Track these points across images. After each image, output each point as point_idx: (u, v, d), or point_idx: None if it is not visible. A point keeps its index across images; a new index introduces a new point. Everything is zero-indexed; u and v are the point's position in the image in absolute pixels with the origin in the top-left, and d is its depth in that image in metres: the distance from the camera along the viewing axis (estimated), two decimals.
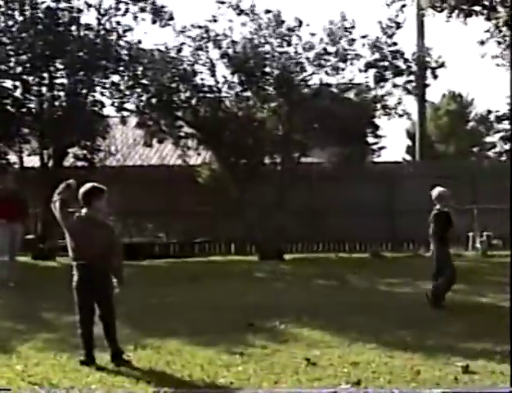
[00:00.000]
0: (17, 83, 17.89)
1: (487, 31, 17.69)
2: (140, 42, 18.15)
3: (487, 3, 16.98)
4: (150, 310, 9.98)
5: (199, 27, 17.85)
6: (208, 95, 18.26)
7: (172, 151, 22.93)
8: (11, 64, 17.66)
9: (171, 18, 18.21)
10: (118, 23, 18.15)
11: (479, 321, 8.97)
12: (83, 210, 6.93)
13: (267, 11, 17.77)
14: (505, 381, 6.20)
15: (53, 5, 17.67)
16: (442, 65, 18.33)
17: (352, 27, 17.87)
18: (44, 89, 18.10)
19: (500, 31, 17.28)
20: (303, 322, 8.96)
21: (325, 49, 17.92)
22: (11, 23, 17.57)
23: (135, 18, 18.34)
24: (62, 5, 17.78)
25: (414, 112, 25.01)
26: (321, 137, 18.54)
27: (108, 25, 18.12)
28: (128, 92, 18.39)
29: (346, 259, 17.72)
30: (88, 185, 6.97)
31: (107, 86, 18.31)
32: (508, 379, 6.22)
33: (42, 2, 17.65)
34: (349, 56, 18.01)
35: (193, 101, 18.41)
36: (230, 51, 17.80)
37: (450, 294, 10.20)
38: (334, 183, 19.62)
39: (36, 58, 17.34)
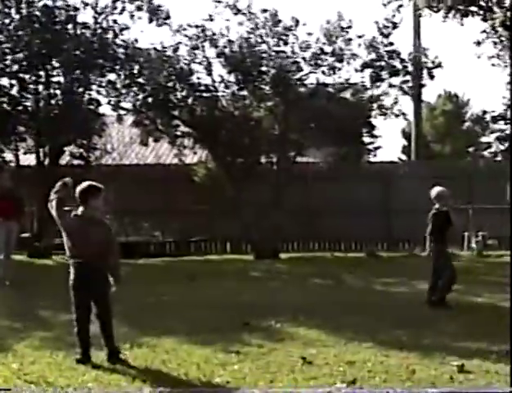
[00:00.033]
0: (13, 82, 17.92)
1: (484, 32, 17.72)
2: (136, 40, 18.20)
3: (483, 4, 17.02)
4: (147, 309, 9.99)
5: (196, 26, 17.86)
6: (204, 94, 18.28)
7: (169, 150, 22.92)
8: (8, 62, 17.68)
9: (167, 17, 18.20)
10: (114, 22, 18.17)
11: (475, 321, 8.99)
12: (80, 209, 6.93)
13: (264, 11, 17.78)
14: (500, 380, 6.23)
15: (50, 3, 17.72)
16: (438, 66, 18.36)
17: (349, 27, 17.90)
18: (41, 87, 18.10)
19: (497, 32, 17.33)
20: (299, 321, 8.97)
21: (321, 49, 17.94)
22: (7, 21, 17.58)
23: (131, 17, 18.33)
24: (59, 3, 17.83)
25: (410, 112, 25.00)
26: (317, 136, 18.55)
27: (104, 24, 18.13)
28: (124, 91, 18.39)
29: (342, 259, 17.74)
30: (85, 183, 6.97)
31: (103, 84, 18.32)
32: (503, 378, 6.25)
33: (39, 1, 17.70)
34: (346, 56, 18.02)
35: (189, 100, 18.42)
36: (226, 50, 17.81)
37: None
38: (330, 183, 19.65)
39: (32, 56, 17.34)
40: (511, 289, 9.60)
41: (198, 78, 18.17)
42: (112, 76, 18.33)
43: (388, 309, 9.87)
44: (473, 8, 17.13)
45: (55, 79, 18.13)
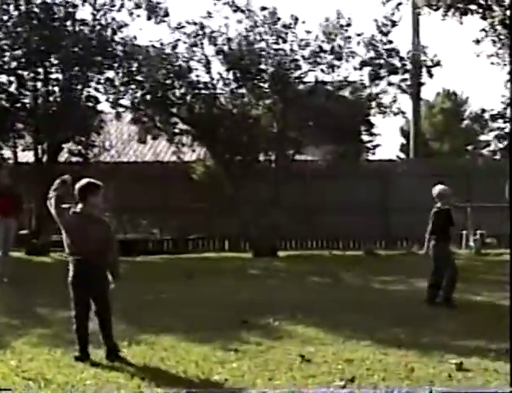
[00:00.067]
0: (12, 78, 17.91)
1: (483, 30, 17.71)
2: (135, 38, 18.18)
3: (482, 2, 17.01)
4: (145, 306, 9.99)
5: (195, 24, 17.84)
6: (203, 92, 18.27)
7: (167, 148, 22.92)
8: (6, 59, 17.67)
9: (166, 14, 18.18)
10: (113, 19, 18.14)
11: (473, 319, 9.00)
12: (79, 206, 6.91)
13: (263, 8, 17.77)
14: (498, 378, 6.22)
15: (48, 0, 17.64)
16: (437, 64, 18.34)
17: (348, 25, 17.89)
18: (39, 84, 18.09)
19: (496, 30, 17.31)
20: (297, 319, 8.97)
21: (320, 47, 17.93)
22: (6, 18, 17.54)
23: (130, 14, 18.32)
24: (57, 0, 17.74)
25: (408, 110, 25.05)
26: (316, 134, 18.56)
27: (103, 21, 18.11)
28: (122, 88, 18.37)
29: (340, 257, 17.74)
30: (84, 181, 6.95)
31: (102, 82, 18.31)
32: (502, 377, 6.25)
33: None
34: (344, 54, 18.01)
35: (188, 98, 18.40)
36: (225, 47, 17.80)
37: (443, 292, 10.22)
38: (329, 181, 19.66)
39: (31, 53, 17.32)
40: (511, 288, 9.60)
41: (196, 75, 18.17)
42: (110, 73, 18.35)
43: (386, 307, 9.87)
44: (473, 6, 17.13)
45: (53, 76, 18.13)
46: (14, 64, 17.77)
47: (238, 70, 17.82)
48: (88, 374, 6.44)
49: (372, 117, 19.03)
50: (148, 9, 18.11)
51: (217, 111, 18.38)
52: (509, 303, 8.95)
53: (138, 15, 18.31)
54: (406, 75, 18.53)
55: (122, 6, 18.19)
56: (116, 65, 18.11)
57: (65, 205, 6.97)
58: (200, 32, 17.82)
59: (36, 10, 17.54)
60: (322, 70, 18.19)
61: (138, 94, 18.34)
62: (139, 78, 18.00)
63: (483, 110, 33.16)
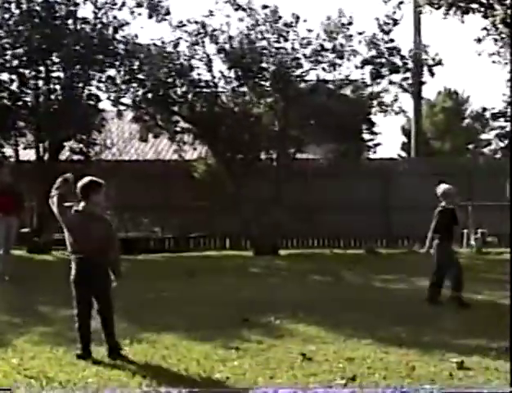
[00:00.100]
0: (13, 77, 17.92)
1: (484, 29, 17.70)
2: (136, 36, 18.17)
3: (484, 1, 17.00)
4: (146, 305, 9.99)
5: (196, 22, 17.84)
6: (204, 90, 18.27)
7: (168, 146, 22.92)
8: (8, 57, 17.66)
9: (167, 13, 18.18)
10: (114, 17, 18.14)
11: (474, 318, 9.00)
12: (81, 204, 6.92)
13: (264, 7, 17.77)
14: (499, 377, 6.23)
15: None
16: (439, 63, 18.34)
17: (350, 23, 17.89)
18: (40, 83, 18.10)
19: (497, 29, 17.30)
20: (298, 317, 8.98)
21: (321, 45, 17.92)
22: (7, 16, 17.55)
23: (131, 12, 18.32)
24: None
25: (410, 109, 25.05)
26: (317, 133, 18.57)
27: (104, 19, 18.10)
28: (124, 87, 18.37)
29: (341, 256, 17.75)
30: (86, 179, 6.96)
31: (103, 80, 18.31)
32: (503, 375, 6.25)
33: None
34: (346, 53, 18.01)
35: (189, 96, 18.40)
36: (227, 46, 17.80)
37: (445, 291, 10.22)
38: (330, 179, 19.67)
39: (32, 51, 17.33)
40: (511, 286, 9.62)
41: (198, 74, 18.20)
42: (112, 72, 18.36)
43: (387, 306, 9.87)
44: (474, 5, 17.12)
45: (55, 74, 18.14)
46: (15, 62, 17.78)
47: (239, 69, 17.82)
48: (90, 372, 6.45)
49: (373, 116, 19.06)
50: (149, 7, 18.11)
51: (218, 110, 18.39)
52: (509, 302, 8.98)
53: (139, 14, 18.33)
54: (408, 74, 18.54)
55: (123, 4, 18.19)
56: (117, 63, 18.13)
57: (67, 204, 6.98)
58: (202, 30, 17.82)
59: (37, 8, 17.54)
60: (324, 69, 18.20)
61: (140, 92, 18.34)
62: (140, 76, 18.00)
63: (484, 109, 33.17)
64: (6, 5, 17.54)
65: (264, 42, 17.89)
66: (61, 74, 18.11)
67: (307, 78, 18.44)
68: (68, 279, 6.99)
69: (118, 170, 18.51)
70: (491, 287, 11.37)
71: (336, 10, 18.47)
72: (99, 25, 17.99)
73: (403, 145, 39.50)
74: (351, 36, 17.94)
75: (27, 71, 17.91)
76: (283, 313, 9.13)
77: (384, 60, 18.15)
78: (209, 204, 19.09)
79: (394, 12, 18.01)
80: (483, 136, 38.75)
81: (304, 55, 17.99)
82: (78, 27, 17.92)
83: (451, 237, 10.31)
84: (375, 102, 18.72)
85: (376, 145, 19.78)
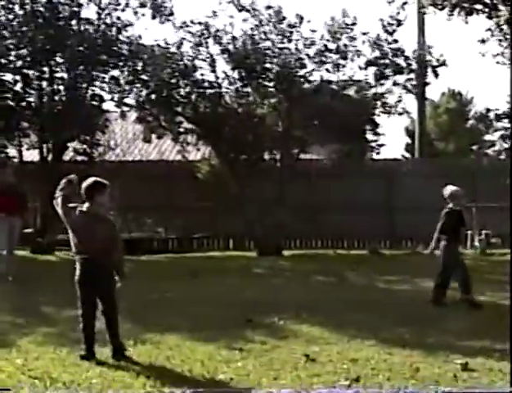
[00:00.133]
0: (17, 77, 17.93)
1: (489, 30, 17.67)
2: (140, 37, 18.18)
3: (488, 1, 16.97)
4: (150, 305, 10.00)
5: (200, 23, 17.84)
6: (208, 91, 18.27)
7: (172, 147, 22.94)
8: (12, 58, 17.68)
9: (171, 13, 18.19)
10: (118, 18, 18.15)
11: (478, 319, 8.99)
12: (85, 205, 6.91)
13: (268, 7, 17.76)
14: (503, 378, 6.22)
15: None
16: (443, 64, 18.31)
17: (353, 24, 17.87)
18: (44, 83, 18.12)
19: (502, 29, 17.27)
20: (302, 318, 8.97)
21: (325, 46, 17.91)
22: (11, 17, 17.57)
23: (135, 13, 18.34)
24: None
25: (413, 110, 25.08)
26: (321, 133, 18.57)
27: (108, 20, 18.12)
28: (127, 87, 18.38)
29: (344, 256, 17.74)
30: (91, 180, 6.95)
31: (107, 81, 18.33)
32: (506, 377, 6.24)
33: None
34: (350, 53, 18.00)
35: (193, 97, 18.40)
36: (230, 46, 17.79)
37: (449, 292, 10.22)
38: (334, 180, 19.67)
39: (36, 52, 17.34)
40: (511, 287, 9.61)
41: (201, 74, 18.18)
42: (115, 72, 18.37)
43: (390, 307, 9.86)
44: (478, 6, 17.09)
45: (58, 75, 18.15)
46: (19, 63, 17.80)
47: (243, 69, 17.82)
48: (94, 373, 6.45)
49: (377, 116, 19.03)
50: (153, 8, 18.13)
51: (222, 110, 18.39)
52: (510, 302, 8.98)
53: (143, 15, 18.35)
54: (412, 75, 18.51)
55: (127, 5, 18.21)
56: (121, 64, 18.14)
57: (71, 205, 6.98)
58: (205, 31, 17.82)
59: (41, 9, 17.57)
60: (327, 69, 18.19)
61: (143, 93, 18.34)
62: (144, 77, 18.00)
63: (488, 110, 33.08)
64: (10, 6, 17.56)
65: (268, 43, 17.90)
66: (65, 75, 18.14)
67: (310, 78, 18.44)
68: (71, 280, 6.99)
69: (121, 171, 18.51)
70: (494, 288, 11.34)
71: (340, 10, 18.50)
72: (102, 26, 18.02)
73: (407, 146, 39.46)
74: (355, 37, 17.92)
75: (31, 72, 17.93)
76: (287, 314, 9.13)
77: (387, 60, 18.13)
78: (213, 204, 19.10)
79: (398, 13, 18.00)
80: (487, 137, 38.62)
81: (308, 55, 17.98)
82: (82, 28, 17.94)
83: (458, 238, 10.32)
84: (378, 103, 18.70)
85: (380, 146, 19.76)
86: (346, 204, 19.66)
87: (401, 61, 18.25)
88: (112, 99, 18.57)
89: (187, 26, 17.90)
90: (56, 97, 18.05)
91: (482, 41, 17.93)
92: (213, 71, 18.13)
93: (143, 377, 6.30)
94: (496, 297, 10.65)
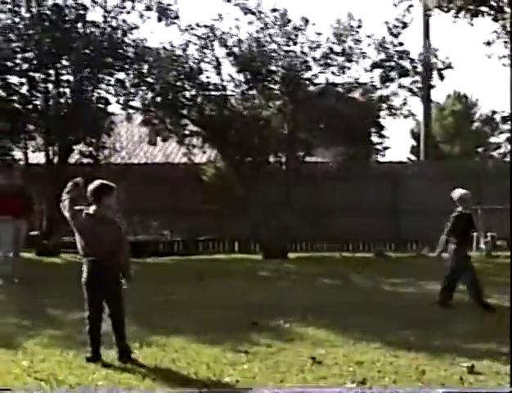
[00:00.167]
0: (23, 80, 17.94)
1: (494, 32, 17.65)
2: (145, 40, 18.20)
3: (493, 4, 16.97)
4: (155, 308, 10.01)
5: (205, 26, 17.85)
6: (213, 93, 18.27)
7: (177, 149, 22.94)
8: (18, 60, 17.70)
9: (176, 16, 18.19)
10: (123, 21, 18.16)
11: (484, 321, 8.98)
12: (92, 207, 6.93)
13: (274, 10, 17.74)
14: (510, 382, 6.21)
15: (60, 2, 17.72)
16: (448, 67, 18.28)
17: (359, 26, 17.82)
18: (50, 86, 18.12)
19: (508, 32, 17.25)
20: (307, 321, 8.97)
21: (331, 48, 17.88)
22: (17, 20, 17.60)
23: (141, 16, 18.32)
24: (69, 2, 17.81)
25: (419, 112, 25.05)
26: (326, 136, 18.55)
27: (114, 23, 18.13)
28: (133, 90, 18.39)
29: (350, 259, 17.71)
30: (97, 182, 6.97)
31: (112, 83, 18.34)
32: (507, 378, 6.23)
33: None
34: (355, 56, 17.98)
35: (198, 100, 18.40)
36: (236, 49, 17.78)
37: (456, 294, 10.21)
38: (339, 183, 19.65)
39: (42, 55, 17.37)
40: (511, 287, 9.61)
41: (207, 77, 18.16)
42: (121, 75, 18.35)
43: (396, 310, 9.86)
44: (484, 8, 17.10)
45: (64, 78, 18.15)
46: (25, 66, 17.81)
47: (248, 72, 17.82)
48: (100, 375, 6.46)
49: (382, 119, 19.01)
50: (158, 11, 18.12)
51: (227, 113, 18.38)
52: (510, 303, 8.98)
53: (149, 17, 18.31)
54: (417, 77, 18.48)
55: (132, 8, 18.20)
56: (127, 66, 18.14)
57: (78, 207, 6.99)
58: (211, 34, 17.83)
59: (47, 12, 17.57)
60: (333, 72, 18.14)
61: (149, 96, 18.35)
62: (149, 79, 18.01)
63: (494, 113, 33.13)
64: (17, 9, 17.60)
65: (273, 46, 17.88)
66: (71, 78, 18.14)
67: (316, 81, 18.41)
68: (77, 282, 7.01)
69: (127, 173, 18.51)
70: (500, 291, 11.29)
71: (345, 13, 18.49)
72: (108, 29, 18.02)
73: (412, 148, 39.46)
74: (360, 39, 17.91)
75: (37, 75, 17.94)
76: (292, 317, 9.13)
77: (393, 63, 18.10)
78: (218, 207, 19.10)
79: (404, 15, 17.97)
80: (493, 139, 38.65)
81: (313, 58, 17.96)
82: (88, 31, 17.94)
83: (467, 242, 10.35)
84: (384, 106, 18.66)
85: (385, 148, 19.73)
86: (351, 206, 19.64)
87: (406, 64, 18.22)
88: (118, 102, 18.58)
89: (193, 29, 17.91)
90: (62, 100, 18.07)
91: (488, 43, 17.93)
92: (219, 74, 18.14)
93: (149, 379, 6.32)
94: (502, 300, 10.60)
